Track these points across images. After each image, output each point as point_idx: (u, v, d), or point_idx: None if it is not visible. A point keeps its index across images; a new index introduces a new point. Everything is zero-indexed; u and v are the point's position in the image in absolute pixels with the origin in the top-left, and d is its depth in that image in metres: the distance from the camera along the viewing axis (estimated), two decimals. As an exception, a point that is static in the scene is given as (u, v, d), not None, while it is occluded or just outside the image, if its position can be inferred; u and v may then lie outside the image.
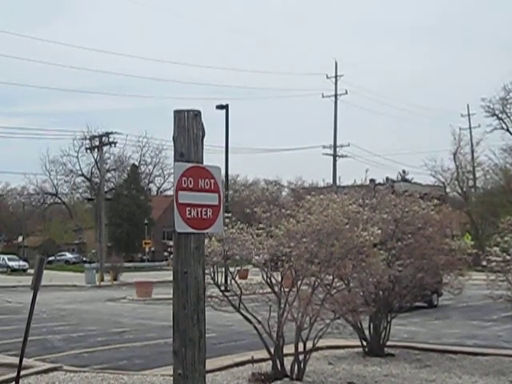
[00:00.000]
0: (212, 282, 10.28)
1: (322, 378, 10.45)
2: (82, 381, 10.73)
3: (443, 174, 67.38)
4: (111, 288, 41.04)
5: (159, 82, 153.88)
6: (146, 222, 68.70)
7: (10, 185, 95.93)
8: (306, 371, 10.27)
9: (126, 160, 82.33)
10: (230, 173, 44.69)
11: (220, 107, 38.52)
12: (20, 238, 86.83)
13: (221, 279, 10.53)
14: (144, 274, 48.90)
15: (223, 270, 10.68)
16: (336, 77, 63.02)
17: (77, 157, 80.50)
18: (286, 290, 10.45)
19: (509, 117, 65.99)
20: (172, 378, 5.27)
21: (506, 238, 11.61)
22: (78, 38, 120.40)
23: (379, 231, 10.47)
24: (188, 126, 5.22)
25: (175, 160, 5.21)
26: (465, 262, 12.95)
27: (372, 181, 26.21)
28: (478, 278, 14.34)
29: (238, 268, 11.24)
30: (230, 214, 10.42)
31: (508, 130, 65.69)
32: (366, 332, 12.55)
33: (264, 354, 10.69)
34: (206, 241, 8.98)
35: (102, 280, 45.75)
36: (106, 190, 63.14)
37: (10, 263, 64.91)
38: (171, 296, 5.25)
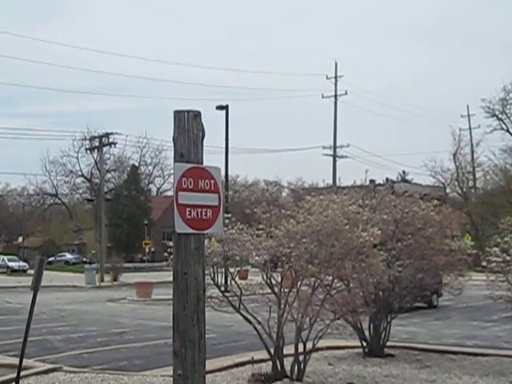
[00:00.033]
0: (212, 282, 10.29)
1: (321, 378, 10.45)
2: (81, 381, 10.73)
3: (443, 175, 67.55)
4: (111, 288, 41.04)
5: (159, 82, 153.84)
6: (145, 222, 68.70)
7: (10, 185, 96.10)
8: (305, 372, 10.27)
9: (126, 161, 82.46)
10: (229, 173, 44.74)
11: (220, 108, 38.55)
12: (20, 239, 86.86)
13: (221, 280, 10.54)
14: (144, 274, 48.89)
15: (223, 270, 10.68)
16: (336, 77, 63.09)
17: (77, 157, 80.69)
18: (286, 290, 10.46)
19: (509, 117, 66.10)
20: (172, 379, 5.26)
21: (506, 239, 11.60)
22: (78, 38, 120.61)
23: (379, 232, 10.48)
24: (188, 127, 5.22)
25: (175, 160, 5.21)
26: (465, 262, 12.96)
27: (372, 181, 26.24)
28: (477, 279, 14.34)
29: (238, 269, 11.25)
30: (229, 215, 10.43)
31: (508, 130, 65.77)
32: (366, 332, 12.55)
33: (264, 354, 10.69)
34: (206, 241, 8.98)
35: (102, 280, 45.75)
36: (105, 190, 63.14)
37: (10, 264, 64.93)
38: (171, 296, 5.25)
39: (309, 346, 10.37)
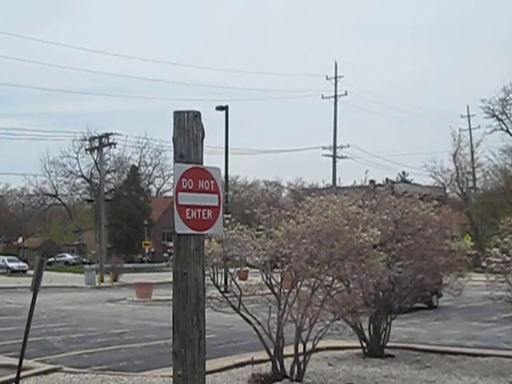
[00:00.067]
0: (212, 283, 10.29)
1: (321, 379, 10.45)
2: (81, 382, 10.74)
3: (443, 175, 67.51)
4: (111, 289, 41.03)
5: (159, 83, 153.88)
6: (145, 223, 68.71)
7: (9, 186, 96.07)
8: (305, 372, 10.27)
9: (126, 161, 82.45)
10: (229, 174, 44.74)
11: (220, 108, 38.55)
12: (20, 239, 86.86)
13: (221, 280, 10.54)
14: (144, 275, 48.88)
15: (223, 271, 10.68)
16: (336, 78, 63.07)
17: (77, 158, 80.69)
18: (286, 291, 10.46)
19: (508, 118, 66.10)
20: (172, 379, 5.26)
21: (505, 239, 11.60)
22: (78, 38, 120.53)
23: (379, 232, 10.48)
24: (188, 127, 5.22)
25: (175, 161, 5.21)
26: (465, 263, 12.96)
27: (372, 182, 26.29)
28: (477, 279, 14.34)
29: (238, 269, 11.25)
30: (229, 215, 10.43)
31: (508, 131, 65.77)
32: (366, 333, 12.55)
33: (264, 355, 10.69)
34: (206, 242, 8.98)
35: (102, 281, 45.75)
36: (105, 191, 63.14)
37: (10, 264, 64.96)
38: (171, 297, 5.24)
39: (309, 346, 10.37)
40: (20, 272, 61.50)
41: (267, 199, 64.63)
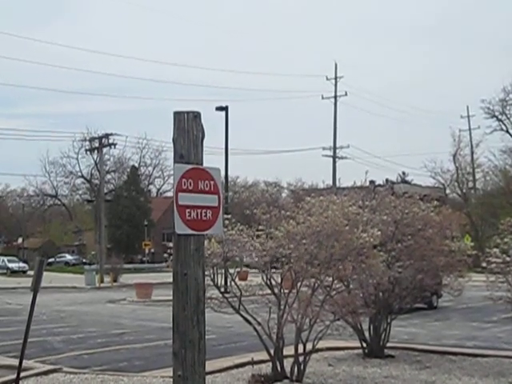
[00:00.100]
0: (212, 283, 10.29)
1: (321, 379, 10.45)
2: (81, 382, 10.74)
3: (443, 176, 67.51)
4: (111, 289, 41.03)
5: (159, 83, 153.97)
6: (145, 223, 68.70)
7: (9, 186, 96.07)
8: (305, 373, 10.27)
9: (126, 161, 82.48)
10: (229, 174, 44.76)
11: (220, 109, 38.55)
12: (20, 240, 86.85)
13: (221, 281, 10.54)
14: (144, 275, 48.89)
15: (223, 271, 10.69)
16: (336, 78, 63.10)
17: (76, 158, 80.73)
18: (286, 291, 10.45)
19: (508, 118, 66.14)
20: (172, 380, 5.26)
21: (505, 240, 11.60)
22: (77, 39, 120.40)
23: (379, 233, 10.48)
24: (188, 128, 5.22)
25: (175, 161, 5.20)
26: (464, 263, 12.96)
27: (372, 182, 26.29)
28: (477, 280, 14.33)
29: (238, 269, 11.25)
30: (229, 216, 10.43)
31: (508, 131, 65.80)
32: (366, 333, 12.55)
33: (264, 355, 10.69)
34: (206, 242, 8.98)
35: (102, 281, 45.75)
36: (105, 191, 63.15)
37: (10, 265, 64.94)
38: (171, 297, 5.24)
39: (309, 346, 10.37)
40: (20, 272, 61.50)
41: (267, 200, 64.59)
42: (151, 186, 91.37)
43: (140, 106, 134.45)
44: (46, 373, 11.40)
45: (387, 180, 56.59)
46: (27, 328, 8.90)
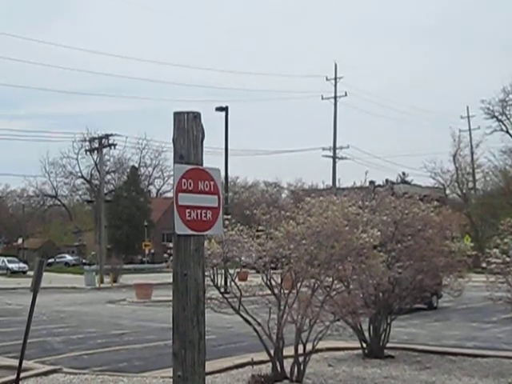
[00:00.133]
0: (212, 283, 10.29)
1: (321, 379, 10.45)
2: (81, 383, 10.74)
3: (443, 176, 67.44)
4: (111, 290, 41.02)
5: (159, 83, 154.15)
6: (145, 223, 68.70)
7: (9, 187, 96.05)
8: (305, 373, 10.27)
9: (126, 162, 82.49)
10: (229, 175, 44.78)
11: (220, 109, 38.56)
12: (20, 240, 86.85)
13: (220, 281, 10.54)
14: (144, 275, 48.90)
15: (223, 271, 10.69)
16: (336, 79, 63.09)
17: (76, 159, 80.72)
18: (286, 291, 10.45)
19: (508, 119, 66.11)
20: (172, 380, 5.26)
21: (505, 240, 11.60)
22: (77, 39, 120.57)
23: (379, 233, 10.49)
24: (188, 128, 5.22)
25: (175, 162, 5.21)
26: (464, 263, 12.96)
27: (372, 183, 26.30)
28: (477, 280, 14.32)
29: (238, 270, 11.25)
30: (229, 216, 10.44)
31: (508, 131, 65.77)
32: (366, 334, 12.55)
33: (264, 355, 10.69)
34: (206, 243, 8.99)
35: (102, 282, 45.74)
36: (105, 191, 63.15)
37: (10, 265, 64.95)
38: (171, 298, 5.24)
39: (309, 347, 10.37)
40: (20, 273, 61.51)
41: (267, 200, 64.59)
42: (151, 187, 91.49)
43: (140, 106, 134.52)
44: (45, 373, 11.40)
45: (387, 180, 56.66)
46: (27, 328, 8.90)
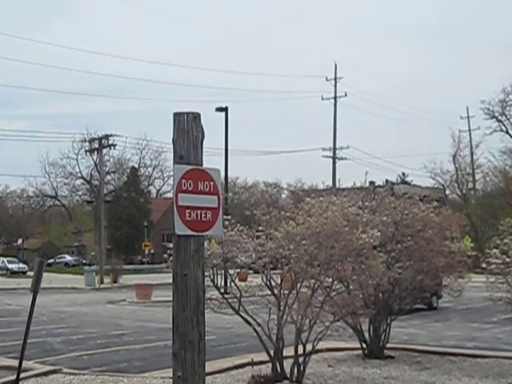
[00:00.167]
0: (212, 284, 10.29)
1: (321, 380, 10.45)
2: (81, 383, 10.74)
3: (443, 177, 67.44)
4: (111, 290, 41.03)
5: (158, 84, 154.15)
6: (145, 224, 68.69)
7: (9, 187, 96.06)
8: (305, 373, 10.27)
9: (126, 162, 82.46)
10: (229, 175, 44.80)
11: (219, 109, 38.58)
12: (19, 241, 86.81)
13: (220, 281, 10.55)
14: (143, 276, 48.92)
15: (223, 272, 10.69)
16: (335, 79, 63.10)
17: (76, 159, 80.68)
18: (286, 292, 10.45)
19: (508, 119, 66.12)
20: (172, 381, 5.26)
21: (505, 240, 11.60)
22: (77, 39, 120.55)
23: (379, 233, 10.49)
24: (187, 129, 5.22)
25: (175, 162, 5.21)
26: (464, 264, 12.95)
27: (371, 183, 26.28)
28: (477, 281, 14.33)
29: (238, 270, 11.26)
30: (229, 217, 10.44)
31: (507, 132, 65.78)
32: (366, 334, 12.55)
33: (264, 356, 10.69)
34: (206, 243, 8.99)
35: (102, 282, 45.74)
36: (105, 192, 63.17)
37: (10, 266, 64.92)
38: (171, 298, 5.24)
39: (308, 347, 10.37)
40: (20, 273, 61.46)
41: (267, 200, 64.64)
42: (151, 187, 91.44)
43: (140, 106, 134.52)
44: (45, 374, 11.40)
45: (387, 181, 56.61)
46: (27, 329, 8.90)
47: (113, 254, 61.29)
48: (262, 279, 10.70)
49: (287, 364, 10.22)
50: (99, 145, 54.49)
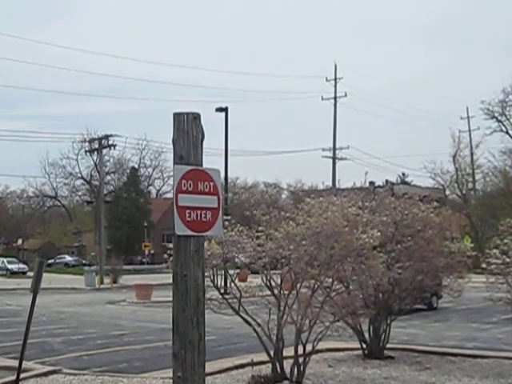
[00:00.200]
0: (212, 284, 10.29)
1: (321, 380, 10.45)
2: (81, 383, 10.73)
3: (443, 177, 67.45)
4: (111, 291, 41.03)
5: (158, 84, 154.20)
6: (145, 224, 68.68)
7: (9, 187, 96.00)
8: (305, 374, 10.27)
9: (126, 163, 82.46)
10: (229, 175, 44.80)
11: (219, 110, 38.57)
12: (19, 241, 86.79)
13: (220, 282, 10.54)
14: (143, 276, 48.90)
15: (223, 272, 10.69)
16: (335, 79, 63.13)
17: (76, 159, 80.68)
18: (286, 292, 10.45)
19: (508, 119, 66.13)
20: (172, 381, 5.26)
21: (505, 241, 11.61)
22: (77, 40, 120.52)
23: (379, 234, 10.49)
24: (187, 129, 5.22)
25: (175, 163, 5.20)
26: (464, 264, 12.96)
27: (371, 183, 26.31)
28: (477, 281, 14.34)
29: (238, 271, 11.26)
30: (229, 217, 10.44)
31: (507, 132, 65.79)
32: (366, 334, 12.55)
33: (264, 356, 10.69)
34: (206, 243, 8.98)
35: (102, 283, 45.73)
36: (105, 192, 63.18)
37: (10, 266, 64.91)
38: (171, 299, 5.24)
39: (308, 347, 10.37)
40: (20, 274, 61.43)
41: (267, 201, 64.63)
42: (151, 187, 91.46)
43: (139, 107, 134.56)
44: (45, 374, 11.40)
45: (387, 181, 56.52)
46: (27, 329, 8.90)
47: (113, 254, 61.25)
48: (262, 279, 10.70)
49: (287, 364, 10.22)
50: (99, 145, 54.48)
